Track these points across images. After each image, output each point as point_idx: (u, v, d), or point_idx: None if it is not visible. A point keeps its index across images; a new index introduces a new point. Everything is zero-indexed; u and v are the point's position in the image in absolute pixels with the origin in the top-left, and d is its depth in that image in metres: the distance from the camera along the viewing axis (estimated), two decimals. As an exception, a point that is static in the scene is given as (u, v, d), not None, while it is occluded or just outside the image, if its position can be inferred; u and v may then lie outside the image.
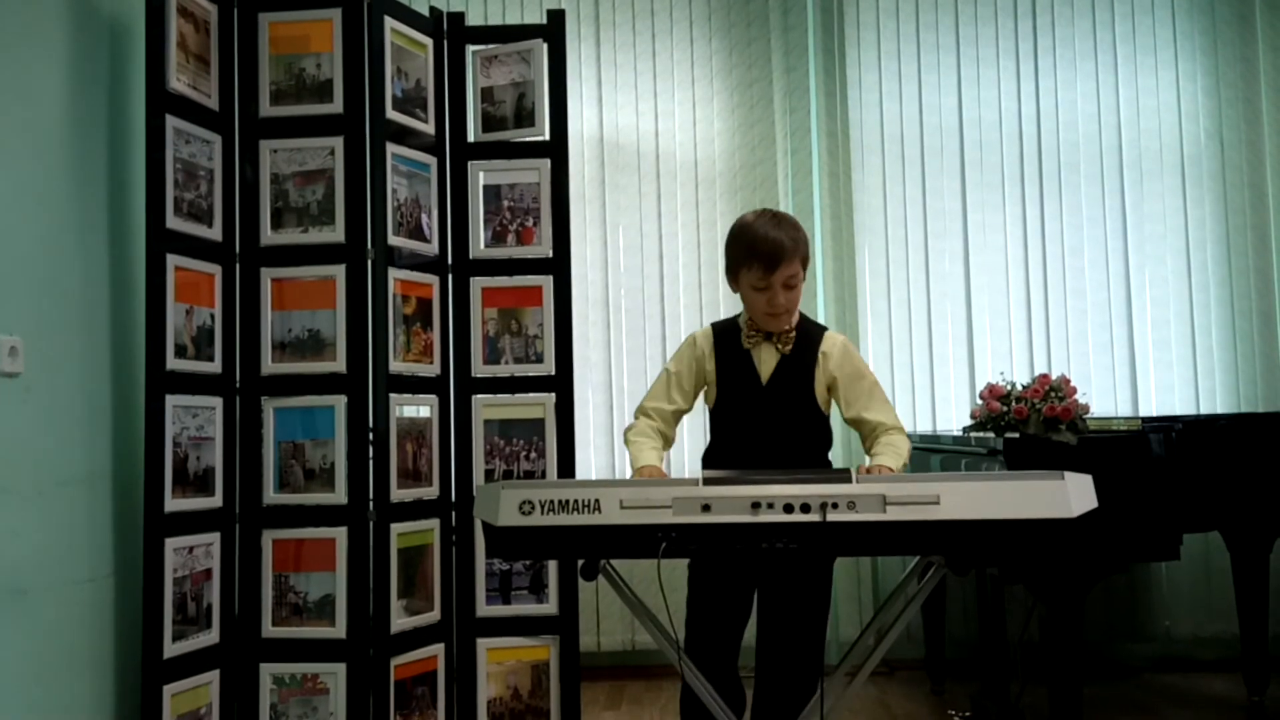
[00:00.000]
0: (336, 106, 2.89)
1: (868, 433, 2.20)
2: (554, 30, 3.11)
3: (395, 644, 2.86)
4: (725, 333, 2.24)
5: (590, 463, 4.01)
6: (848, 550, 1.82)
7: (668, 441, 2.24)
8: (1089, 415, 2.89)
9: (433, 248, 3.06)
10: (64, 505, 2.61)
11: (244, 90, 2.93)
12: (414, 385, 2.98)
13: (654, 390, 2.27)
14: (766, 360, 2.18)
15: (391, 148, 2.94)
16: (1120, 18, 4.15)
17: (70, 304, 2.68)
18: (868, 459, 2.18)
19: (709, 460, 2.25)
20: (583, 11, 4.12)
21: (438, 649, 2.98)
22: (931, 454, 3.37)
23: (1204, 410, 4.04)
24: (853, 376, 2.20)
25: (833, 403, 2.24)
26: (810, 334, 2.22)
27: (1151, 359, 4.08)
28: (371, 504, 2.84)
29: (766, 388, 2.17)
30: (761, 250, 2.11)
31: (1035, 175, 4.13)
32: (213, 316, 2.85)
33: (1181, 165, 4.12)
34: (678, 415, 2.26)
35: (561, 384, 3.04)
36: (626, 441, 2.22)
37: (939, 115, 4.15)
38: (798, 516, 1.67)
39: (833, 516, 1.67)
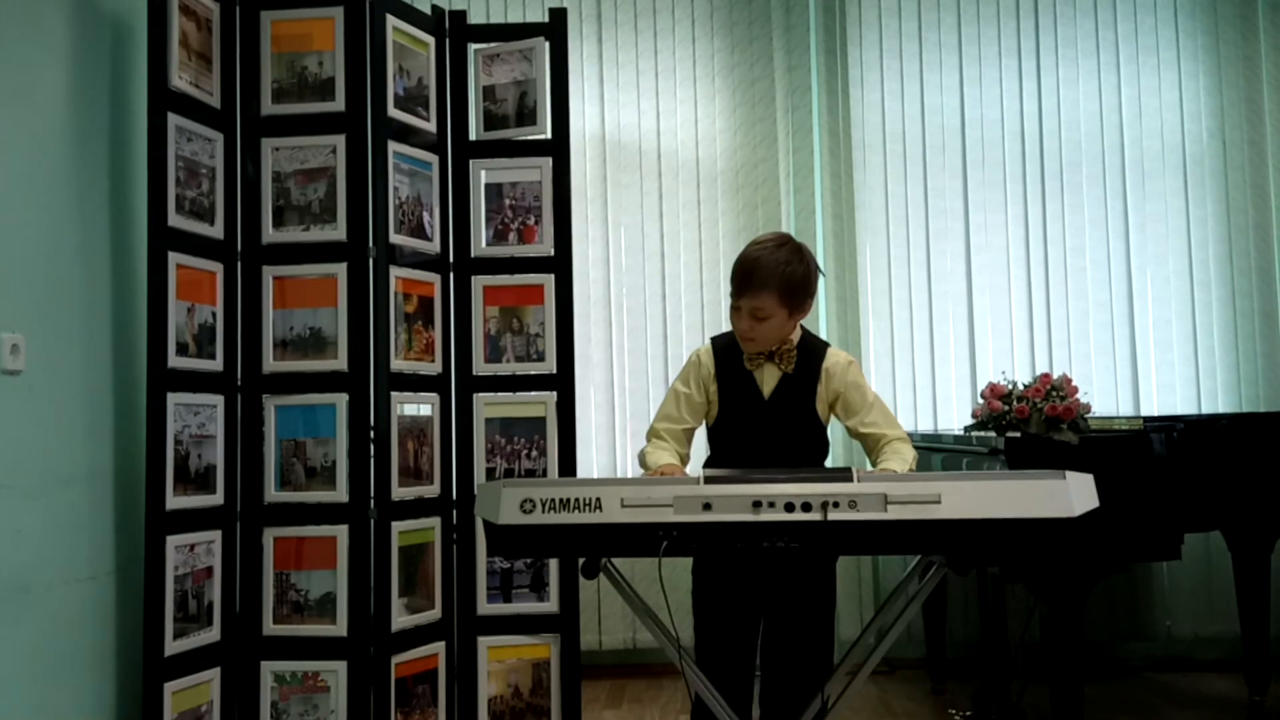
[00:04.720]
0: (338, 104, 2.89)
1: (872, 445, 2.18)
2: (556, 29, 3.11)
3: (396, 642, 2.86)
4: (726, 349, 2.21)
5: (591, 461, 4.01)
6: (849, 549, 1.82)
7: (683, 460, 2.22)
8: (1090, 415, 2.89)
9: (434, 246, 3.06)
10: (66, 503, 2.61)
11: (246, 88, 2.93)
12: (415, 383, 2.98)
13: (664, 410, 2.23)
14: (769, 379, 2.16)
15: (393, 146, 2.94)
16: (1122, 17, 4.15)
17: (72, 302, 2.68)
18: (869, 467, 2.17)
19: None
20: (584, 10, 4.12)
21: (438, 647, 2.98)
22: (933, 453, 3.37)
23: (1205, 410, 4.04)
24: (855, 392, 2.17)
25: (832, 415, 2.22)
26: (813, 351, 2.19)
27: (1153, 358, 4.08)
28: (372, 502, 2.85)
29: (769, 402, 2.16)
30: (735, 269, 2.11)
31: (1037, 174, 4.13)
32: (214, 314, 2.85)
33: (1183, 164, 4.11)
34: (689, 434, 2.23)
35: (563, 382, 3.04)
36: (642, 460, 2.18)
37: (941, 114, 4.14)
38: (799, 515, 1.67)
39: (834, 515, 1.66)
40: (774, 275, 2.05)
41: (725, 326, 2.30)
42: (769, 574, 2.16)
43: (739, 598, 2.18)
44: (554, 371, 3.04)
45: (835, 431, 3.86)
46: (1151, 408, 4.05)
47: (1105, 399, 4.02)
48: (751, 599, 2.18)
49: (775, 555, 1.72)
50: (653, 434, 2.23)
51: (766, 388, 2.16)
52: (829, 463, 2.29)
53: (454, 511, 3.05)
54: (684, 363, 2.28)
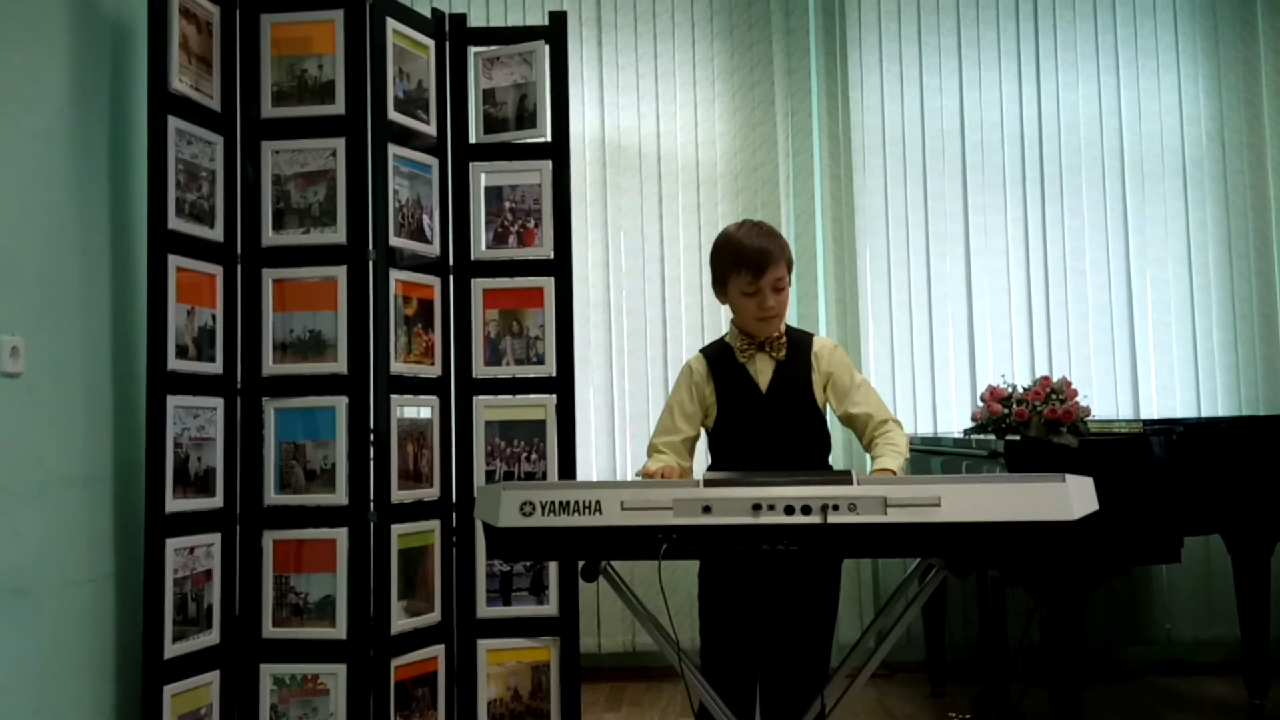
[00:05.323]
0: (338, 108, 2.89)
1: (861, 427, 2.21)
2: (556, 32, 3.12)
3: (395, 645, 2.86)
4: (718, 354, 2.26)
5: (591, 464, 4.01)
6: (849, 552, 1.82)
7: (684, 471, 2.23)
8: (1090, 418, 2.89)
9: (434, 249, 3.06)
10: (65, 505, 2.61)
11: (246, 91, 2.93)
12: (415, 386, 2.98)
13: (660, 425, 2.26)
14: (763, 370, 2.20)
15: (393, 149, 2.94)
16: (1122, 20, 4.15)
17: (72, 304, 2.68)
18: (869, 458, 2.19)
19: None
20: (584, 13, 4.12)
21: (438, 650, 2.98)
22: (932, 456, 3.37)
23: (1205, 413, 4.03)
24: (844, 372, 2.22)
25: (828, 406, 2.25)
26: (799, 339, 2.24)
27: (1152, 361, 4.08)
28: (372, 505, 2.84)
29: (767, 395, 2.18)
30: (748, 256, 2.15)
31: (1036, 177, 4.13)
32: (214, 317, 2.85)
33: (1183, 167, 4.12)
34: (689, 444, 2.25)
35: (562, 385, 3.04)
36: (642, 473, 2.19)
37: (940, 117, 4.15)
38: (798, 518, 1.67)
39: (833, 518, 1.66)
40: (782, 248, 2.19)
41: (725, 329, 2.32)
42: (775, 578, 2.17)
43: (744, 602, 2.18)
44: (554, 374, 3.04)
45: (837, 432, 3.87)
46: (1151, 411, 4.05)
47: (1105, 402, 4.02)
48: (757, 603, 2.18)
49: (775, 558, 1.72)
50: (652, 449, 2.25)
51: (763, 379, 2.19)
52: (831, 459, 2.30)
53: (454, 514, 3.05)
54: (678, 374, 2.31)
